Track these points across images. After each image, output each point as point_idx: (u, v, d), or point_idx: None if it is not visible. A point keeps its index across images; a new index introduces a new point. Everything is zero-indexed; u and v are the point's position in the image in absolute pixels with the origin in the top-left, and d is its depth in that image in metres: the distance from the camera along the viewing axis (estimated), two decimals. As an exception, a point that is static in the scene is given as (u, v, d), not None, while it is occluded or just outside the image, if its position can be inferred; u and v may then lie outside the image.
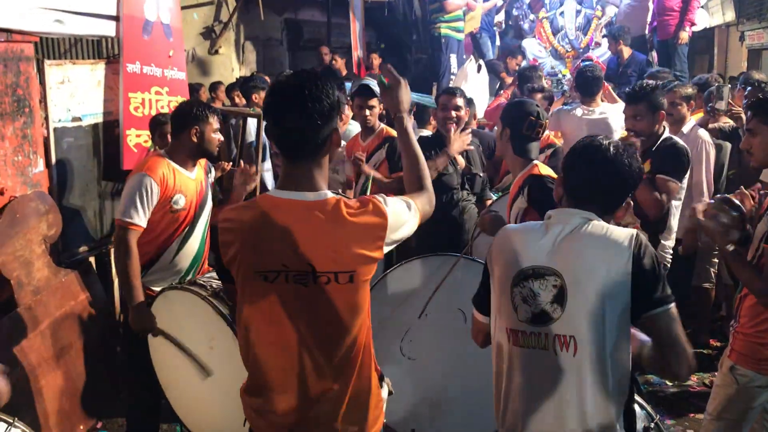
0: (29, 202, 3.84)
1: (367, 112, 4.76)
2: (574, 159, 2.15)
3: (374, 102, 4.78)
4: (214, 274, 3.18)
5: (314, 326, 1.98)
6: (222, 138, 3.57)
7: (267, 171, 6.19)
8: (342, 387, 2.03)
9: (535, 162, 3.30)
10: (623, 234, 2.00)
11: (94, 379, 4.17)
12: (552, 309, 2.00)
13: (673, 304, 1.97)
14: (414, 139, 2.28)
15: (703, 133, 4.56)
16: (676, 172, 3.83)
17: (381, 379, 2.20)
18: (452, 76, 8.73)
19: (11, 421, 2.50)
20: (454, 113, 4.35)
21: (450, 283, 3.35)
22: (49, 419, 3.74)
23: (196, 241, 3.61)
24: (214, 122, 3.51)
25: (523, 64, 8.91)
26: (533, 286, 2.02)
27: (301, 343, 1.99)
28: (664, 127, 3.95)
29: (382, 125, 4.90)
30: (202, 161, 3.70)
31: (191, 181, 3.54)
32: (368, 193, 4.83)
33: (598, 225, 2.03)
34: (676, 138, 4.02)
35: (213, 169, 3.76)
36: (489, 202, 4.70)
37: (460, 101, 4.41)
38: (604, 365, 1.95)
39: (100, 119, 4.71)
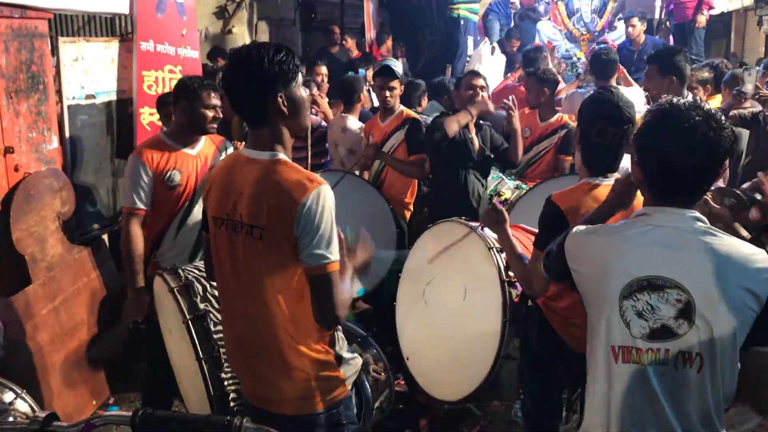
0: (43, 179, 3.85)
1: (387, 93, 4.75)
2: (669, 138, 1.85)
3: (395, 83, 4.77)
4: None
5: (239, 275, 2.13)
6: (218, 114, 3.49)
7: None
8: (268, 346, 2.11)
9: (592, 181, 2.62)
10: (760, 254, 1.83)
11: (108, 357, 4.20)
12: (677, 324, 1.82)
13: None
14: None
15: None
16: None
17: (339, 360, 2.20)
18: (468, 59, 8.67)
19: (19, 391, 2.52)
20: (480, 93, 4.47)
21: (466, 259, 3.39)
22: (62, 394, 3.78)
23: (198, 218, 3.50)
24: (207, 97, 3.44)
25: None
26: (650, 300, 1.83)
27: (232, 291, 2.17)
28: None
29: (402, 107, 4.89)
30: (216, 138, 3.69)
31: (190, 158, 3.51)
32: (381, 177, 4.84)
33: (724, 236, 1.85)
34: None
35: (230, 147, 3.72)
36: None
37: (483, 82, 4.58)
38: (721, 383, 1.84)
39: (113, 97, 4.72)
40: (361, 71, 6.95)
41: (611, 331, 1.88)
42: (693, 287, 1.80)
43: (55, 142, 4.10)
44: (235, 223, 2.10)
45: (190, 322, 2.68)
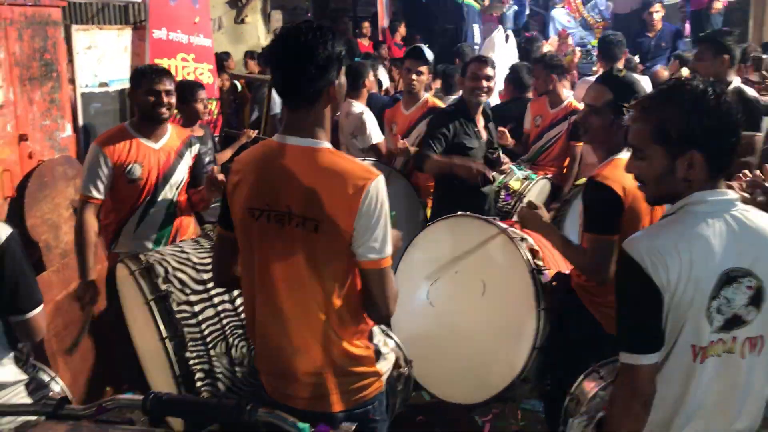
0: (57, 166, 3.88)
1: (414, 76, 4.60)
2: (716, 119, 1.78)
3: (423, 69, 4.58)
4: (171, 247, 3.03)
5: (283, 268, 2.01)
6: (166, 100, 3.35)
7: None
8: (310, 342, 2.02)
9: (617, 156, 2.71)
10: None
11: (121, 342, 4.22)
12: (746, 312, 1.78)
13: None
14: None
15: None
16: (754, 125, 3.72)
17: (377, 354, 2.15)
18: (476, 47, 8.61)
19: (53, 375, 2.56)
20: (485, 83, 4.10)
21: (486, 251, 3.31)
22: (78, 379, 3.82)
23: (160, 213, 3.47)
24: (150, 82, 3.33)
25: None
26: (726, 293, 1.78)
27: (271, 285, 2.03)
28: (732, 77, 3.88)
29: (427, 95, 4.74)
30: (182, 132, 3.63)
31: (153, 151, 3.40)
32: (410, 165, 4.77)
33: (761, 213, 1.83)
34: (744, 87, 3.93)
35: (196, 144, 3.59)
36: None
37: (490, 71, 4.14)
38: None
39: (126, 85, 4.72)
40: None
41: (696, 332, 1.79)
42: (762, 271, 1.78)
43: (68, 130, 4.12)
44: (281, 214, 1.98)
45: (152, 302, 2.67)
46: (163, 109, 3.35)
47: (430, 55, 4.73)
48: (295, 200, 1.96)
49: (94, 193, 3.29)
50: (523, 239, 3.16)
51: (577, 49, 9.06)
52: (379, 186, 1.94)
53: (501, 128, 4.16)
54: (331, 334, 2.01)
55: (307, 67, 1.94)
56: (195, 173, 3.53)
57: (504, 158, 4.52)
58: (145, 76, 3.35)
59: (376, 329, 2.21)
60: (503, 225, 3.33)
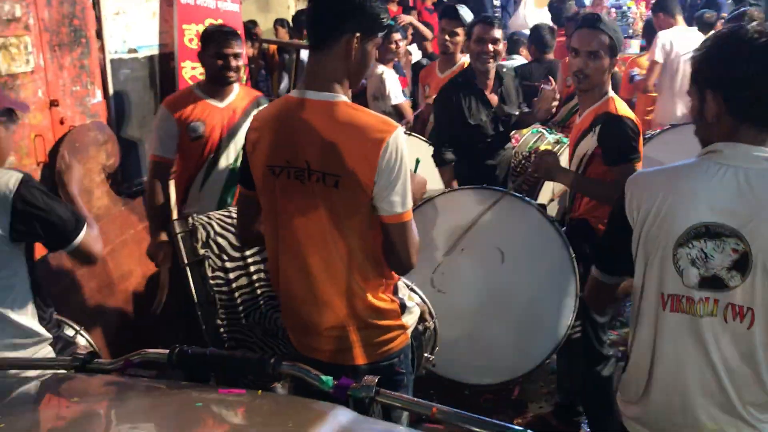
0: (88, 132, 3.91)
1: (448, 37, 4.53)
2: (742, 62, 1.69)
3: (459, 30, 4.50)
4: (223, 211, 3.10)
5: (305, 225, 2.02)
6: (233, 62, 3.39)
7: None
8: (333, 295, 2.04)
9: (611, 95, 3.06)
10: None
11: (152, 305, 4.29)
12: (729, 276, 1.71)
13: None
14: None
15: None
16: None
17: (402, 307, 2.16)
18: (497, 9, 8.44)
19: (78, 328, 2.62)
20: (491, 47, 3.88)
21: (491, 220, 3.25)
22: (111, 339, 3.89)
23: (224, 172, 3.52)
24: (217, 45, 3.38)
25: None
26: (705, 247, 1.72)
27: (292, 241, 2.05)
28: None
29: (464, 58, 4.62)
30: (251, 92, 3.65)
31: (217, 110, 3.46)
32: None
33: None
34: None
35: (264, 103, 3.68)
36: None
37: (498, 33, 3.91)
38: None
39: (155, 51, 4.73)
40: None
41: (663, 279, 1.80)
42: (755, 238, 1.68)
43: (98, 96, 4.14)
44: (300, 171, 1.99)
45: (188, 266, 2.70)
46: (231, 73, 3.40)
47: (467, 15, 4.59)
48: (314, 156, 1.96)
49: (161, 153, 3.41)
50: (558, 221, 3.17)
51: (612, 9, 8.84)
52: (398, 138, 1.93)
53: (545, 85, 3.93)
54: (355, 288, 2.01)
55: (329, 12, 1.97)
56: None
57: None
58: (213, 38, 3.41)
59: (400, 283, 2.21)
60: (500, 189, 3.31)
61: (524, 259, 3.21)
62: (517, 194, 3.32)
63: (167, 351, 1.58)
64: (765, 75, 1.70)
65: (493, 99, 4.05)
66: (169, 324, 4.36)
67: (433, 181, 4.33)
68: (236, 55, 3.39)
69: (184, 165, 3.51)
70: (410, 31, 6.98)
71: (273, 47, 7.57)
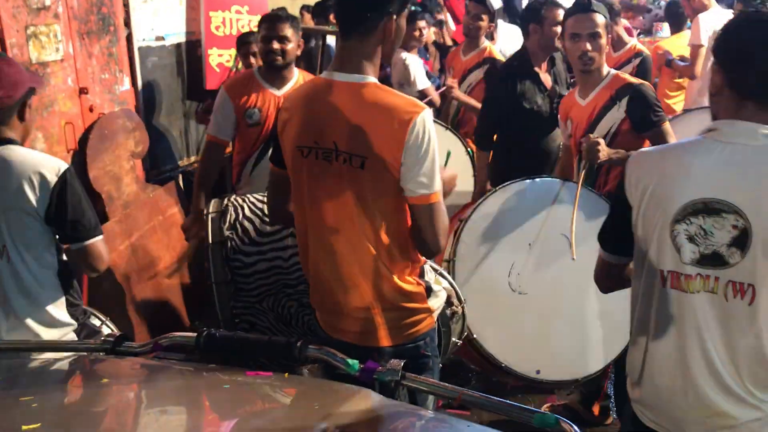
0: (117, 119, 3.95)
1: (472, 21, 4.57)
2: (746, 41, 1.72)
3: (484, 15, 4.55)
4: (259, 194, 3.10)
5: (332, 206, 2.03)
6: (279, 46, 3.40)
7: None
8: (359, 277, 2.04)
9: (614, 71, 3.31)
10: None
11: (182, 291, 4.34)
12: (729, 252, 1.70)
13: None
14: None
15: None
16: None
17: (428, 291, 2.14)
18: None
19: (104, 319, 2.66)
20: (558, 29, 3.69)
21: (547, 207, 3.20)
22: (140, 325, 3.94)
23: None
24: (264, 29, 3.44)
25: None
26: (704, 224, 1.71)
27: (320, 223, 2.05)
28: None
29: (487, 43, 4.68)
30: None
31: (275, 97, 3.49)
32: (460, 114, 4.71)
33: None
34: None
35: None
36: None
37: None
38: None
39: (182, 39, 4.76)
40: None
41: (661, 256, 1.80)
42: (755, 214, 1.67)
43: (127, 84, 4.18)
44: (328, 152, 1.98)
45: (210, 247, 2.73)
46: (275, 56, 3.41)
47: (496, 2, 4.60)
48: (341, 136, 1.96)
49: (215, 133, 3.49)
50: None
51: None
52: (425, 119, 1.92)
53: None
54: (381, 270, 2.02)
55: None
56: None
57: None
58: (263, 22, 3.51)
59: (427, 267, 2.21)
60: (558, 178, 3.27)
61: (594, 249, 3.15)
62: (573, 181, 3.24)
63: (195, 334, 1.59)
64: (765, 52, 1.70)
65: (547, 80, 4.05)
66: (196, 314, 4.41)
67: (463, 177, 4.32)
68: (282, 38, 3.39)
69: (241, 147, 3.58)
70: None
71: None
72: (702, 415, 1.79)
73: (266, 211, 2.70)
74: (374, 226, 1.99)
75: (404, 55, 4.85)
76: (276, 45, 3.39)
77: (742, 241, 1.68)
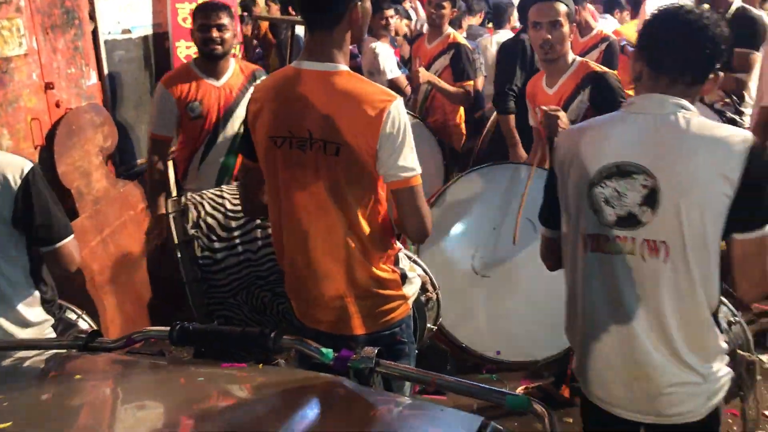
0: (84, 114, 3.90)
1: (434, 10, 4.65)
2: (661, 27, 1.85)
3: (446, 3, 4.63)
4: (215, 190, 3.10)
5: (308, 195, 2.03)
6: (216, 34, 3.35)
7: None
8: (334, 266, 2.05)
9: (581, 59, 3.30)
10: (736, 137, 1.75)
11: (155, 286, 4.31)
12: (641, 212, 1.79)
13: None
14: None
15: None
16: (754, 43, 3.73)
17: (403, 278, 2.17)
18: None
19: (80, 313, 2.65)
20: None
21: (514, 192, 3.26)
22: (114, 320, 3.91)
23: (221, 150, 3.52)
24: (200, 17, 3.38)
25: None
26: (618, 186, 1.81)
27: (296, 212, 2.06)
28: None
29: (450, 30, 4.78)
30: (247, 67, 3.63)
31: (214, 89, 3.45)
32: (428, 102, 4.74)
33: (700, 120, 1.79)
34: (748, 6, 3.87)
35: (262, 77, 3.66)
36: None
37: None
38: (699, 279, 1.78)
39: (149, 31, 4.71)
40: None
41: (581, 220, 1.89)
42: (661, 172, 1.78)
43: (93, 78, 4.13)
44: (303, 140, 1.99)
45: (177, 246, 2.72)
46: (215, 45, 3.35)
47: None
48: (316, 124, 1.97)
49: (159, 131, 3.44)
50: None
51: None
52: (399, 106, 1.95)
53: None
54: (356, 258, 2.03)
55: None
56: None
57: None
58: (199, 11, 3.44)
59: (401, 254, 2.22)
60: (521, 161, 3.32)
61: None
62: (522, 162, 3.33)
63: (168, 329, 1.59)
64: (672, 29, 1.83)
65: None
66: (173, 303, 4.39)
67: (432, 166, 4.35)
68: (220, 27, 3.35)
69: (184, 142, 3.53)
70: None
71: (264, 25, 7.52)
72: (628, 377, 1.86)
73: (227, 206, 2.71)
74: (348, 214, 2.01)
75: (374, 44, 4.87)
76: (215, 33, 3.35)
77: (652, 198, 1.78)
